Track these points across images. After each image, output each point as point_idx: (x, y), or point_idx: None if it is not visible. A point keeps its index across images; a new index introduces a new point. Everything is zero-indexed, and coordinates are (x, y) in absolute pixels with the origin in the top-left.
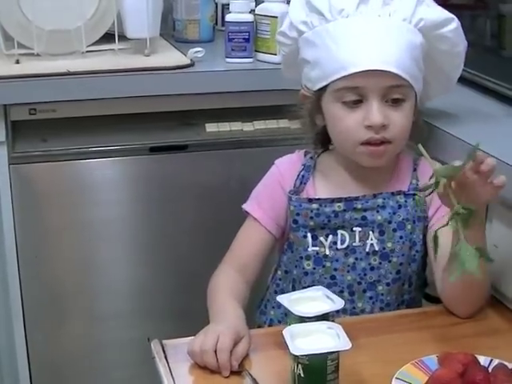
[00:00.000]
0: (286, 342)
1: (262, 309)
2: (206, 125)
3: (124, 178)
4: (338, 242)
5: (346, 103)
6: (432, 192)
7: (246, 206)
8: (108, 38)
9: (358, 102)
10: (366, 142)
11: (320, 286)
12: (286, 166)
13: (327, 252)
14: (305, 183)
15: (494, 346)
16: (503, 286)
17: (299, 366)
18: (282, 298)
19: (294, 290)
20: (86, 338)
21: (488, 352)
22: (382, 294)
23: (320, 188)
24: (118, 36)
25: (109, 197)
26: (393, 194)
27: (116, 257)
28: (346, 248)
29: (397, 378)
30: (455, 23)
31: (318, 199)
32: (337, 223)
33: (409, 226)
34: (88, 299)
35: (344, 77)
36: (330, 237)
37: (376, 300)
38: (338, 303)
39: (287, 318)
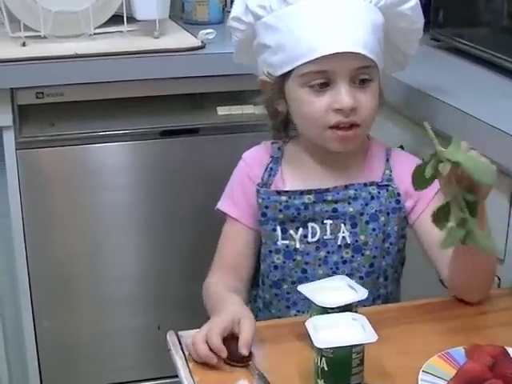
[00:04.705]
0: (308, 334)
1: None
2: (218, 108)
3: (134, 162)
4: (309, 235)
5: (313, 87)
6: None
7: (220, 206)
8: (116, 19)
9: (325, 86)
10: (335, 126)
11: (343, 276)
12: (253, 159)
13: (297, 245)
14: (273, 175)
15: None
16: None
17: (323, 359)
18: (303, 288)
19: (263, 284)
20: (95, 324)
21: None
22: None
23: (289, 180)
24: (127, 18)
25: (118, 182)
26: (365, 184)
27: (125, 242)
28: (317, 241)
29: (424, 371)
30: (414, 0)
31: (287, 191)
32: (307, 216)
33: (382, 218)
34: (96, 285)
35: (311, 60)
36: (301, 230)
37: None
38: (361, 293)
39: (309, 308)
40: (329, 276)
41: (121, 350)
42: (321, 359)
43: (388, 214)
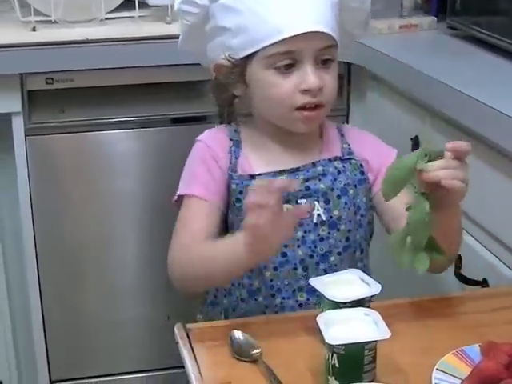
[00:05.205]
0: (320, 330)
1: (211, 301)
2: None
3: (144, 149)
4: None
5: (279, 69)
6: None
7: (181, 191)
8: (128, 4)
9: (290, 67)
10: (302, 107)
11: (355, 269)
12: (214, 141)
13: None
14: (237, 158)
15: None
16: None
17: (334, 355)
18: (315, 282)
19: (251, 271)
20: (104, 313)
21: None
22: (336, 265)
23: (255, 162)
24: (139, 3)
25: (128, 169)
26: (330, 160)
27: (135, 231)
28: None
29: (437, 369)
30: None
31: (260, 174)
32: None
33: (351, 191)
34: (106, 274)
35: (277, 42)
36: None
37: (330, 271)
38: (374, 287)
39: (320, 303)
40: (308, 256)
41: (130, 339)
42: (332, 356)
43: (355, 186)
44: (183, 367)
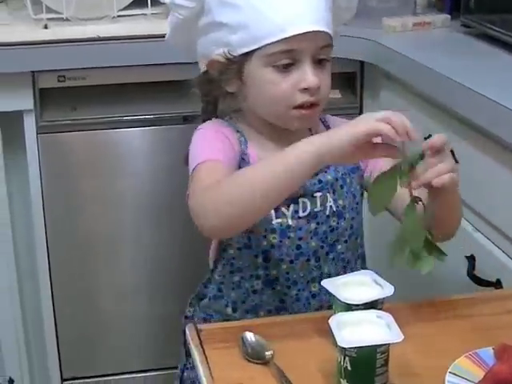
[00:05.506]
0: (332, 332)
1: (214, 294)
2: None
3: (156, 147)
4: (300, 211)
5: (277, 67)
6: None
7: (192, 166)
8: (140, 2)
9: (289, 65)
10: (300, 105)
11: (368, 271)
12: (221, 128)
13: (290, 222)
14: (246, 147)
15: None
16: None
17: (346, 358)
18: (327, 283)
19: (268, 261)
20: (115, 311)
21: None
22: (343, 253)
23: (261, 156)
24: (151, 0)
25: (140, 167)
26: None
27: (147, 228)
28: (307, 215)
29: (450, 373)
30: None
31: None
32: (299, 192)
33: (348, 180)
34: (117, 272)
35: (279, 40)
36: (292, 206)
37: (338, 260)
38: (387, 289)
39: (333, 305)
40: (320, 246)
41: (142, 338)
42: (344, 358)
43: (349, 174)
44: None
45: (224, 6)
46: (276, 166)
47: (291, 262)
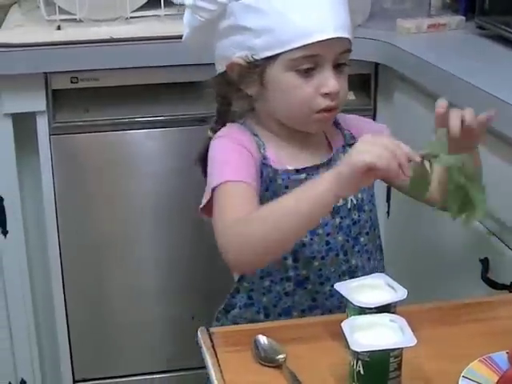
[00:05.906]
0: (344, 336)
1: (244, 303)
2: None
3: (168, 149)
4: None
5: (300, 71)
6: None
7: (213, 184)
8: (153, 3)
9: (310, 70)
10: (323, 109)
11: (381, 274)
12: (238, 135)
13: None
14: (265, 150)
15: None
16: None
17: (359, 362)
18: (340, 287)
19: (297, 261)
20: (127, 313)
21: None
22: (365, 245)
23: (284, 158)
24: (164, 1)
25: (152, 168)
26: (343, 146)
27: (160, 230)
28: (331, 210)
29: (464, 377)
30: None
31: (304, 168)
32: None
33: None
34: (130, 274)
35: (304, 45)
36: None
37: (362, 252)
38: (400, 293)
39: (346, 308)
40: (345, 240)
41: (154, 339)
42: (357, 362)
43: None
44: None
45: (247, 11)
46: (301, 207)
47: (322, 258)
